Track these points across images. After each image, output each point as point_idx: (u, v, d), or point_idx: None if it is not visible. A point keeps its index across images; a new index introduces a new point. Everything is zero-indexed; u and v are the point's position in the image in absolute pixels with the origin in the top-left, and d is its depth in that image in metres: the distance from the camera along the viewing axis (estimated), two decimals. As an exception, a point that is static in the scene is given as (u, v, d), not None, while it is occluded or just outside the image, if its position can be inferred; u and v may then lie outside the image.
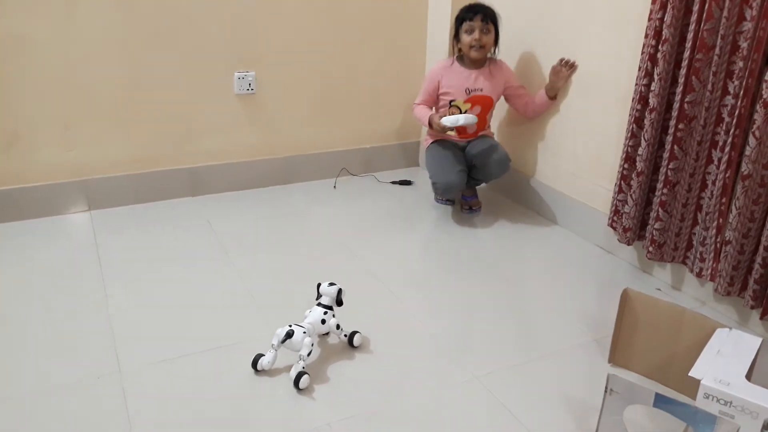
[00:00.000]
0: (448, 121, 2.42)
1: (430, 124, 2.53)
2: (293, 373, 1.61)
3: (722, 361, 1.37)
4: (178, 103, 2.64)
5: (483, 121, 2.65)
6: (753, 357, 1.40)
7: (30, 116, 2.42)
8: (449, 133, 2.61)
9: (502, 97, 2.70)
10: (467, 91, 2.57)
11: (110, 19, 2.42)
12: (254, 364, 1.67)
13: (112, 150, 2.59)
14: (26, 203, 2.50)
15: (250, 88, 2.75)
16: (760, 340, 1.46)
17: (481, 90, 2.58)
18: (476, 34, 2.49)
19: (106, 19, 2.42)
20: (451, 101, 2.60)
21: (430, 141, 2.72)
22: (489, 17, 2.51)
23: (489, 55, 2.61)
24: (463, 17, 2.53)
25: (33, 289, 2.03)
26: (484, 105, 2.61)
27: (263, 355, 1.67)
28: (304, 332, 1.65)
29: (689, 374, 1.34)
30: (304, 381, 1.61)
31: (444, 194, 2.68)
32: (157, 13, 2.49)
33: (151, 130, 2.63)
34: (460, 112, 2.58)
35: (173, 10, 2.51)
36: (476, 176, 2.64)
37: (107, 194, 2.62)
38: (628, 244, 2.22)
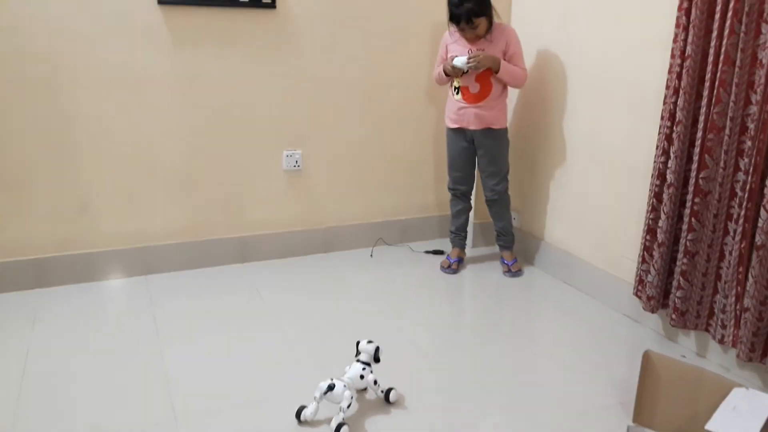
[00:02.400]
0: (459, 61, 2.65)
1: (446, 73, 2.77)
2: (334, 424, 1.74)
3: (738, 417, 1.46)
4: (231, 177, 2.90)
5: (488, 84, 2.75)
6: (767, 414, 1.48)
7: (99, 187, 2.69)
8: (455, 94, 2.82)
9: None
10: (469, 52, 2.72)
11: (174, 101, 2.72)
12: (298, 414, 1.80)
13: (169, 219, 2.84)
14: (90, 267, 2.73)
15: (297, 165, 3.00)
16: (775, 399, 1.54)
17: (483, 50, 2.72)
18: (466, 34, 2.70)
19: (170, 101, 2.72)
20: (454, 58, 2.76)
21: (446, 126, 2.95)
22: (471, 16, 2.62)
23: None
24: (450, 18, 2.69)
25: (96, 345, 2.22)
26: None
27: (306, 406, 1.80)
28: (345, 386, 1.78)
29: (705, 427, 1.42)
30: (343, 432, 1.73)
31: (450, 191, 3.01)
32: (216, 96, 2.78)
33: (206, 201, 2.88)
34: None
35: (230, 94, 2.80)
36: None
37: (163, 260, 2.84)
38: (652, 312, 2.31)
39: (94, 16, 2.51)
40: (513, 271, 2.94)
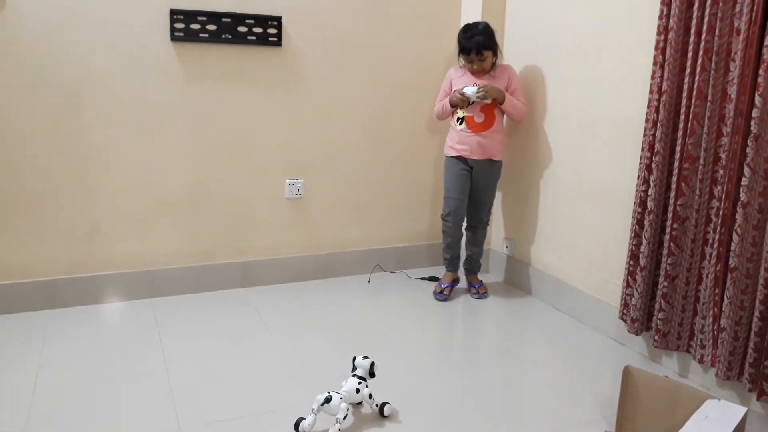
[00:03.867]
0: (469, 90, 2.81)
1: (452, 104, 2.92)
2: (330, 435, 1.83)
3: (708, 424, 1.56)
4: (235, 205, 3.03)
5: (492, 115, 2.92)
6: (737, 422, 1.58)
7: (110, 212, 2.82)
8: (458, 125, 2.95)
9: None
10: (475, 84, 2.88)
11: (183, 132, 2.87)
12: (296, 426, 1.89)
13: (176, 244, 2.96)
14: (99, 289, 2.84)
15: (298, 193, 3.14)
16: (745, 409, 1.64)
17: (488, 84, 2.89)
18: (474, 65, 2.88)
19: (180, 131, 2.87)
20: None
21: (445, 155, 3.07)
22: (481, 48, 2.82)
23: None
24: (460, 50, 2.89)
25: (104, 363, 2.32)
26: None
27: (304, 418, 1.90)
28: (341, 398, 1.88)
29: (677, 433, 1.52)
30: (339, 442, 1.82)
31: (447, 218, 3.04)
32: (223, 128, 2.94)
33: (211, 227, 3.01)
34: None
35: (237, 126, 2.96)
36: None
37: (168, 284, 2.96)
38: (636, 334, 2.41)
39: (111, 51, 2.68)
40: (481, 293, 3.08)
